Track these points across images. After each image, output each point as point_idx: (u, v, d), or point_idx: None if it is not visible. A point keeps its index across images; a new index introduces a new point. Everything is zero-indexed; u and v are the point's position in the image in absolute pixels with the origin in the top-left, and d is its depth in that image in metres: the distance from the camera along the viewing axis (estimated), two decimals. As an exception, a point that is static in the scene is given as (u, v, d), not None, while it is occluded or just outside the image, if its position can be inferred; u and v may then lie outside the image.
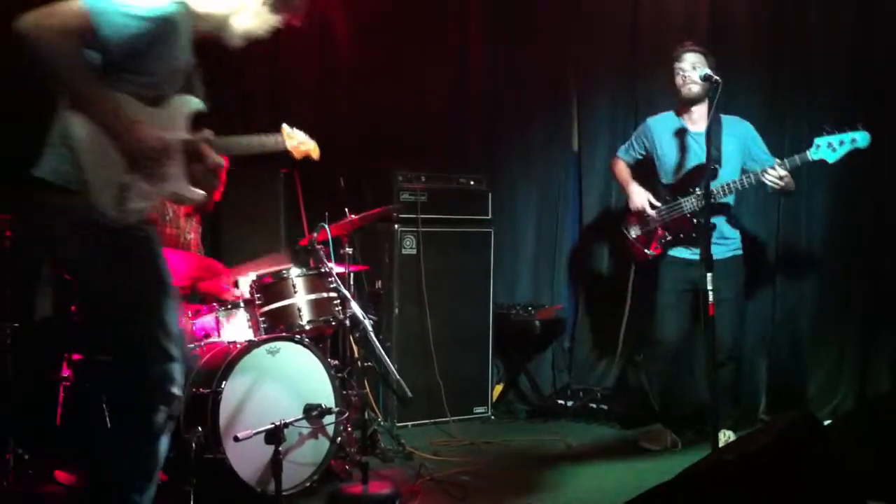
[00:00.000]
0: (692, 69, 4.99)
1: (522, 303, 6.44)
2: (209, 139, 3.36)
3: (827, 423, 4.90)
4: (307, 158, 4.07)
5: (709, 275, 4.12)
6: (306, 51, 6.32)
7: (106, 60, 2.99)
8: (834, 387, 5.39)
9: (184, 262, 4.57)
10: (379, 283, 5.88)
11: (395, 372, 4.62)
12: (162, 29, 3.02)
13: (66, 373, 4.46)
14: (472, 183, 6.11)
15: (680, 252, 5.12)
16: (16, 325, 4.51)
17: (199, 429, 3.94)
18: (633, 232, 5.27)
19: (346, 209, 4.90)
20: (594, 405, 5.93)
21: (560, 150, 6.56)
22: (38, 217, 3.15)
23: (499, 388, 6.35)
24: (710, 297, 4.09)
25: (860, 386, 5.29)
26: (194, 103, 3.32)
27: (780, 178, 4.76)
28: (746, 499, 2.45)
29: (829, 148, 4.64)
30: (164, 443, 3.18)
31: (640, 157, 5.39)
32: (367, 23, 6.53)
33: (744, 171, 4.96)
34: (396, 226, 5.79)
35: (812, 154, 4.68)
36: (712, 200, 4.89)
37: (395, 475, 4.62)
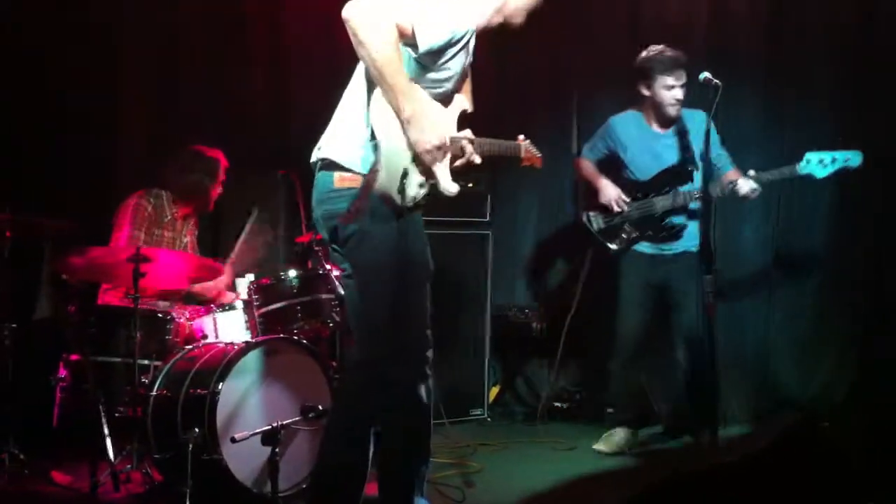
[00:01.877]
0: (680, 88, 4.97)
1: (520, 305, 6.43)
2: (471, 138, 3.50)
3: (825, 425, 4.91)
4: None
5: (707, 277, 4.12)
6: (311, 49, 6.31)
7: (416, 59, 3.19)
8: (833, 388, 5.39)
9: (182, 262, 4.57)
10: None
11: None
12: (463, 40, 3.25)
13: (62, 373, 4.45)
14: (470, 185, 6.10)
15: (646, 248, 5.13)
16: (14, 325, 4.50)
17: (196, 429, 3.93)
18: (596, 224, 5.25)
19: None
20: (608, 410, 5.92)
21: (559, 152, 6.55)
22: (319, 195, 3.34)
23: (495, 390, 6.35)
24: (710, 298, 4.09)
25: (859, 388, 5.29)
26: (464, 102, 3.51)
27: (753, 190, 4.80)
28: (745, 500, 2.45)
29: (819, 164, 4.67)
30: None
31: (603, 155, 5.35)
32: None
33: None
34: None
35: (801, 168, 4.70)
36: (686, 204, 4.98)
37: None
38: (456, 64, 3.29)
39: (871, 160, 5.12)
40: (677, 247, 5.07)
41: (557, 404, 6.11)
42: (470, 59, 3.42)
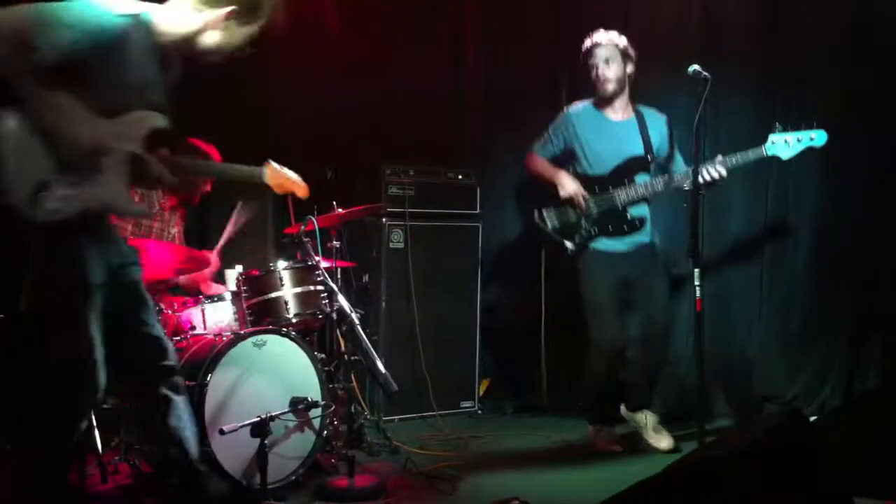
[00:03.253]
0: (604, 65, 4.97)
1: (510, 298, 6.43)
2: (164, 157, 3.37)
3: (813, 419, 4.92)
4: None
5: (696, 270, 4.12)
6: (299, 45, 6.29)
7: (51, 65, 2.97)
8: (821, 383, 5.39)
9: (169, 253, 4.55)
10: (366, 277, 5.88)
11: (381, 366, 4.60)
12: (109, 45, 3.03)
13: (50, 364, 4.43)
14: (460, 177, 6.10)
15: (605, 245, 5.01)
16: (0, 315, 4.48)
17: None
18: (551, 222, 5.13)
19: (334, 202, 4.89)
20: (581, 401, 5.92)
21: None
22: None
23: (486, 383, 6.35)
24: (698, 293, 4.09)
25: (848, 382, 5.30)
26: (152, 118, 3.30)
27: (720, 176, 4.73)
28: (734, 494, 2.45)
29: (785, 144, 4.64)
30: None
31: (558, 151, 5.21)
32: (361, 17, 6.51)
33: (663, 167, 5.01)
34: (384, 220, 5.78)
35: (767, 149, 4.66)
36: (647, 195, 4.95)
37: (382, 469, 4.61)
38: (108, 75, 3.09)
39: (864, 157, 5.14)
40: (635, 241, 5.00)
41: (547, 397, 6.12)
42: (153, 74, 3.25)
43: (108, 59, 3.05)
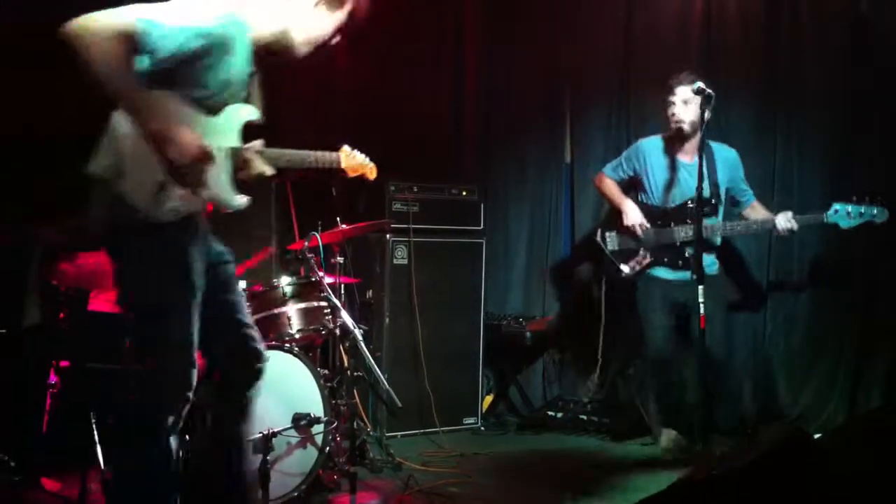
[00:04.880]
0: (682, 105, 5.00)
1: (513, 314, 6.43)
2: (259, 149, 3.40)
3: (817, 436, 4.89)
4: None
5: (700, 287, 4.12)
6: (301, 64, 6.32)
7: (155, 69, 3.01)
8: (825, 400, 5.38)
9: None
10: (370, 293, 5.87)
11: (384, 382, 4.60)
12: (212, 45, 3.06)
13: (53, 380, 4.43)
14: (464, 193, 6.10)
15: (661, 272, 5.15)
16: (4, 331, 4.49)
17: (187, 437, 3.91)
18: (611, 245, 5.26)
19: (338, 218, 4.89)
20: (584, 417, 5.91)
21: (553, 162, 6.57)
22: (86, 212, 3.19)
23: (489, 400, 6.34)
24: (702, 310, 4.08)
25: (851, 399, 5.28)
26: (248, 113, 3.34)
27: (791, 230, 4.85)
28: (736, 512, 2.44)
29: (846, 215, 4.74)
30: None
31: (627, 177, 5.37)
32: (362, 34, 6.51)
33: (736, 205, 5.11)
34: (388, 235, 5.78)
35: (828, 217, 4.78)
36: (707, 236, 4.96)
37: (384, 486, 4.60)
38: (211, 75, 3.12)
39: (864, 170, 5.14)
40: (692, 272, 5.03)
41: (550, 414, 6.09)
42: (247, 69, 3.26)
43: (209, 60, 3.08)
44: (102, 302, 4.91)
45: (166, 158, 2.99)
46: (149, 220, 3.02)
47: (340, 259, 4.94)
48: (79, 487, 4.02)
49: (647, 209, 5.19)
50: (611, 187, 5.39)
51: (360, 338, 4.48)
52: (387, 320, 5.77)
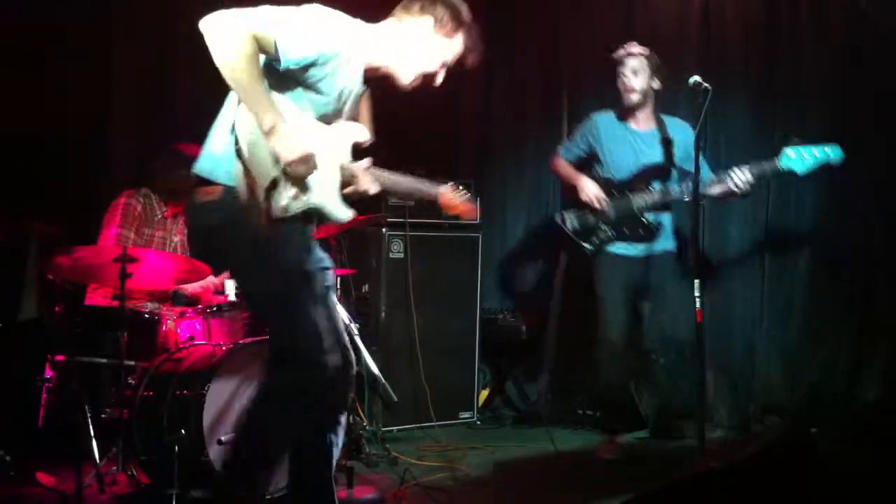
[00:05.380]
0: (632, 75, 5.03)
1: (509, 308, 6.43)
2: (367, 168, 3.48)
3: (814, 430, 4.90)
4: None
5: (696, 281, 4.11)
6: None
7: (279, 70, 3.11)
8: (822, 394, 5.39)
9: (168, 263, 4.54)
10: (366, 287, 5.87)
11: (380, 376, 4.60)
12: (334, 57, 3.16)
13: (49, 374, 4.42)
14: (460, 187, 6.08)
15: (620, 248, 5.11)
16: (-1, 325, 4.49)
17: (183, 431, 3.91)
18: (571, 224, 5.22)
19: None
20: (580, 411, 5.91)
21: (550, 156, 6.55)
22: (193, 210, 3.30)
23: (485, 394, 6.34)
24: (698, 304, 4.08)
25: (849, 392, 5.29)
26: (359, 132, 3.45)
27: (747, 182, 4.74)
28: (734, 506, 2.44)
29: (801, 159, 4.63)
30: None
31: (582, 154, 5.31)
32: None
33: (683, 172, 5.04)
34: (384, 229, 5.78)
35: (781, 163, 4.67)
36: (664, 201, 4.99)
37: (380, 480, 4.59)
38: (328, 86, 3.21)
39: (859, 166, 5.13)
40: (655, 247, 5.07)
41: (547, 407, 6.10)
42: (356, 87, 3.35)
43: (328, 69, 3.17)
44: (98, 296, 4.91)
45: (280, 156, 3.07)
46: (265, 217, 3.10)
47: (336, 253, 4.93)
48: (74, 482, 4.01)
49: (603, 182, 5.16)
50: (565, 167, 5.33)
51: (356, 332, 4.48)
52: (383, 314, 5.77)
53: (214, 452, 3.92)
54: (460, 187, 3.99)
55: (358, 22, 3.33)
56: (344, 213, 3.39)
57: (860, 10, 5.25)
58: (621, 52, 5.09)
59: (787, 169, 4.67)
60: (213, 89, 5.91)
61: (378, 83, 3.49)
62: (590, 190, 5.12)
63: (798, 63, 5.52)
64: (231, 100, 3.22)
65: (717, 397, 5.62)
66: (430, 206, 5.86)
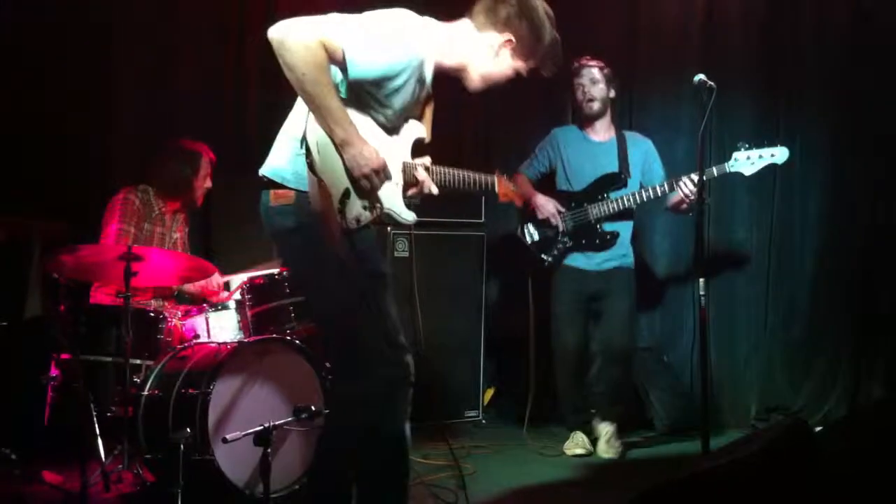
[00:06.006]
0: (591, 84, 5.17)
1: (514, 307, 6.41)
2: (427, 166, 3.44)
3: (818, 429, 4.90)
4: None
5: (700, 280, 4.11)
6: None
7: (348, 82, 3.07)
8: (826, 393, 5.39)
9: (172, 261, 4.55)
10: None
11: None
12: (404, 70, 3.09)
13: (54, 372, 4.43)
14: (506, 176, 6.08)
15: (576, 261, 5.23)
16: (4, 324, 4.48)
17: (188, 430, 3.90)
18: (530, 237, 5.34)
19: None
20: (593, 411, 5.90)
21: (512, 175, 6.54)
22: (262, 214, 3.25)
23: (490, 392, 6.33)
24: (702, 302, 4.08)
25: (852, 393, 5.28)
26: (419, 130, 3.41)
27: (691, 191, 4.81)
28: (736, 505, 2.44)
29: (747, 161, 4.75)
30: None
31: (543, 169, 5.45)
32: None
33: (642, 186, 5.12)
34: (389, 228, 5.77)
35: (729, 166, 4.79)
36: (619, 210, 5.10)
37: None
38: (397, 97, 3.16)
39: (861, 166, 5.13)
40: (612, 262, 5.18)
41: (552, 405, 6.08)
42: (426, 90, 3.31)
43: (399, 82, 3.12)
44: (103, 294, 4.91)
45: (351, 168, 3.05)
46: (339, 227, 3.09)
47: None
48: (80, 480, 4.02)
49: (564, 195, 5.28)
50: (523, 182, 5.37)
51: (361, 331, 4.46)
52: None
53: (220, 451, 3.93)
54: (506, 176, 3.93)
55: (429, 21, 3.26)
56: (407, 217, 3.37)
57: (863, 10, 5.24)
58: (576, 64, 5.21)
59: (734, 171, 4.78)
60: (215, 86, 5.97)
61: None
62: (546, 208, 5.24)
63: (801, 62, 5.52)
64: (299, 105, 3.18)
65: (720, 397, 5.61)
66: (435, 204, 5.90)
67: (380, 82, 3.08)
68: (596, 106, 5.19)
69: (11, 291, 5.10)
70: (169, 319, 4.61)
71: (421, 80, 3.22)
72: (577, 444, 5.24)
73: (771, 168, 5.25)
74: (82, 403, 4.23)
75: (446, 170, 3.53)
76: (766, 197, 5.47)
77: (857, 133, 5.26)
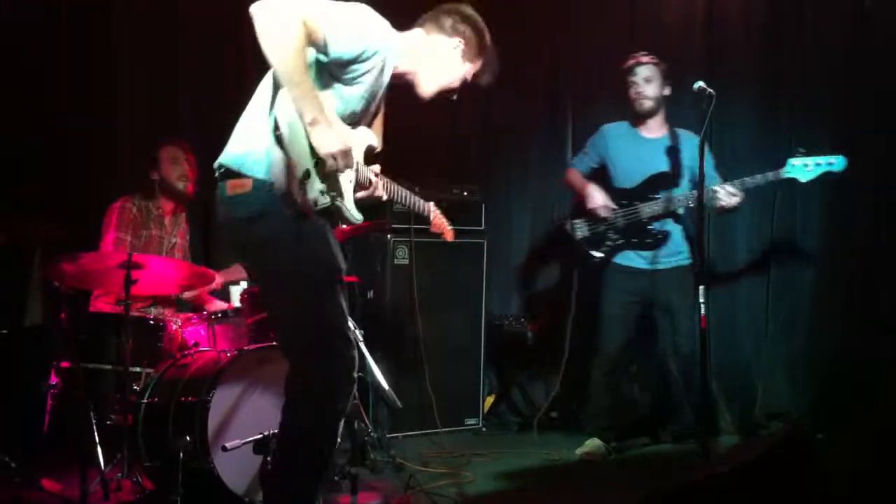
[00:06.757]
0: (645, 83, 5.10)
1: (515, 314, 6.42)
2: (377, 173, 3.50)
3: (819, 436, 4.90)
4: None
5: (701, 287, 4.12)
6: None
7: (323, 62, 3.14)
8: (826, 401, 5.38)
9: (172, 269, 4.55)
10: (371, 293, 5.86)
11: (385, 382, 4.60)
12: (374, 56, 3.18)
13: (54, 380, 4.43)
14: (465, 193, 6.10)
15: (627, 259, 5.16)
16: (4, 332, 4.48)
17: (187, 437, 3.91)
18: (580, 232, 5.28)
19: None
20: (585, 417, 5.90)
21: (556, 162, 6.55)
22: (222, 203, 3.25)
23: (490, 400, 6.33)
24: (703, 310, 4.08)
25: (854, 399, 5.27)
26: (371, 138, 3.47)
27: (733, 196, 4.81)
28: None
29: (804, 168, 4.72)
30: None
31: (594, 165, 5.39)
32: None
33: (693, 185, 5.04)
34: (389, 236, 5.78)
35: (784, 172, 4.75)
36: (671, 209, 5.03)
37: (385, 487, 4.59)
38: (366, 84, 3.23)
39: (863, 171, 5.13)
40: (667, 261, 5.10)
41: (553, 414, 6.09)
42: (382, 89, 3.37)
43: (368, 68, 3.19)
44: (103, 302, 4.92)
45: (320, 147, 3.07)
46: (296, 209, 3.10)
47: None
48: (79, 488, 4.02)
49: (614, 192, 5.21)
50: (576, 175, 5.39)
51: (360, 338, 4.47)
52: (388, 321, 5.76)
53: (219, 459, 3.92)
54: (442, 210, 4.14)
55: (391, 27, 3.35)
56: (356, 216, 3.38)
57: (864, 10, 5.26)
58: (631, 60, 5.14)
59: (789, 178, 4.74)
60: (217, 88, 5.97)
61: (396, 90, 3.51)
62: (596, 198, 5.17)
63: (802, 66, 5.53)
64: (263, 90, 3.22)
65: (722, 403, 5.60)
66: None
67: (351, 64, 3.14)
68: (648, 104, 5.11)
69: (12, 299, 5.11)
70: (169, 327, 4.61)
71: (382, 75, 3.29)
72: (593, 447, 5.21)
73: (770, 168, 5.26)
74: (82, 411, 4.22)
75: (391, 182, 3.63)
76: (766, 203, 5.48)
77: (857, 134, 5.27)
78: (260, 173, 3.12)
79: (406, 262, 5.82)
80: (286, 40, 2.96)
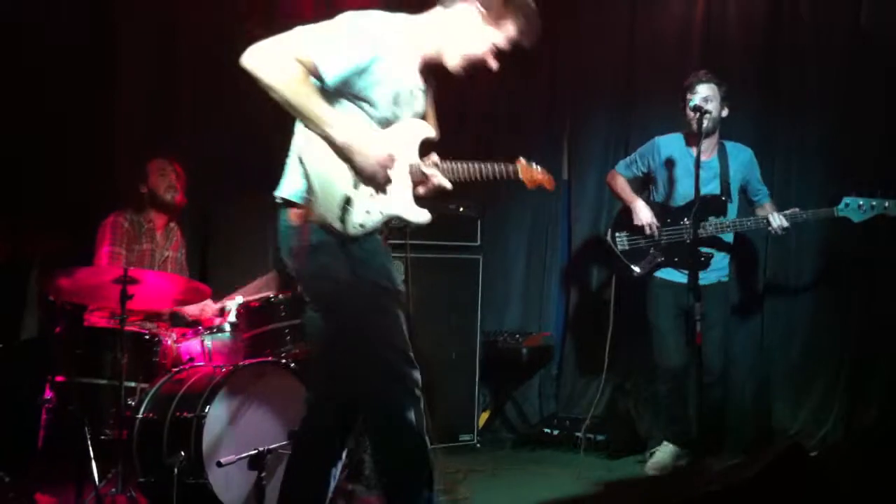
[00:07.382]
0: (705, 102, 4.93)
1: (510, 330, 6.41)
2: (435, 162, 3.44)
3: (814, 454, 4.89)
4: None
5: (697, 304, 4.12)
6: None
7: (329, 86, 3.11)
8: (823, 416, 5.38)
9: (168, 284, 4.55)
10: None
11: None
12: (375, 59, 3.13)
13: (48, 395, 4.42)
14: (461, 209, 6.09)
15: (670, 274, 5.13)
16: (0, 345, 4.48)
17: (182, 453, 3.90)
18: (622, 245, 5.24)
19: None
20: (580, 434, 5.89)
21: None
22: (279, 234, 3.27)
23: (485, 416, 6.32)
24: (699, 327, 4.09)
25: (850, 416, 5.28)
26: (423, 129, 3.41)
27: (784, 228, 4.84)
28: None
29: (858, 209, 4.71)
30: None
31: (640, 174, 5.35)
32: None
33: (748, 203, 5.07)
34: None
35: (839, 211, 4.75)
36: (716, 233, 5.01)
37: (380, 503, 4.57)
38: (378, 92, 3.19)
39: (863, 182, 5.15)
40: (709, 277, 5.06)
41: (547, 430, 6.08)
42: (411, 83, 3.31)
43: (378, 80, 3.16)
44: (98, 317, 4.91)
45: (354, 168, 3.09)
46: (339, 236, 3.13)
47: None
48: (73, 503, 4.01)
49: (657, 207, 5.18)
50: (622, 185, 5.35)
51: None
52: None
53: (214, 475, 3.91)
54: (532, 161, 3.79)
55: (400, 17, 3.29)
56: (421, 216, 3.39)
57: (861, 28, 5.29)
58: (692, 77, 5.05)
59: (842, 216, 4.75)
60: (215, 102, 5.97)
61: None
62: (644, 215, 5.14)
63: (800, 63, 5.55)
64: (299, 127, 3.19)
65: (717, 420, 5.59)
66: (430, 228, 5.90)
67: (354, 81, 3.12)
68: (706, 124, 4.88)
69: (8, 312, 5.10)
70: (165, 342, 4.60)
71: (409, 74, 3.27)
72: (664, 455, 5.15)
73: (767, 176, 5.28)
74: (77, 426, 4.21)
75: (457, 164, 3.50)
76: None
77: (858, 135, 5.29)
78: (306, 200, 3.13)
79: (401, 277, 5.80)
80: (284, 80, 2.99)
